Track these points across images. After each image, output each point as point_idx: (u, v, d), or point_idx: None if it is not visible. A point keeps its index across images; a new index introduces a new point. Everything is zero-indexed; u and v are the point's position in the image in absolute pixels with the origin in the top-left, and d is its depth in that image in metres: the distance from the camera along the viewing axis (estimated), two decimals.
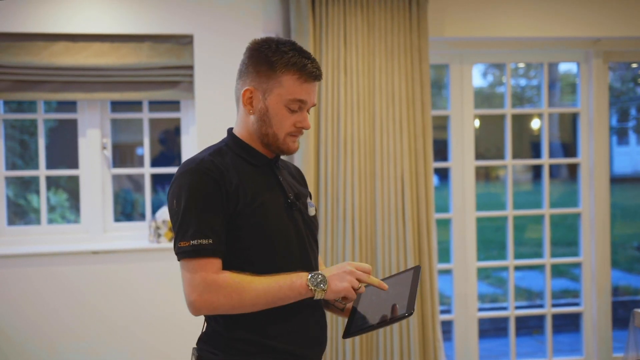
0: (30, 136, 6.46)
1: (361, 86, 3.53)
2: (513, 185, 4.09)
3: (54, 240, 3.49)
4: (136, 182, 7.04)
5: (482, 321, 4.17)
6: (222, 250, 1.60)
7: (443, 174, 7.57)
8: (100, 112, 3.54)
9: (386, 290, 1.65)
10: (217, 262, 1.59)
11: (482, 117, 4.79)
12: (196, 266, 1.57)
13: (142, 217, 4.09)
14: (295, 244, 1.70)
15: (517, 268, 4.24)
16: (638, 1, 3.91)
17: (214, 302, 1.56)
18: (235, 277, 1.58)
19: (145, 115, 3.66)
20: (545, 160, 4.11)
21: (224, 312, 1.59)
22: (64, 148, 5.57)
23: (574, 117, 4.25)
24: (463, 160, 3.95)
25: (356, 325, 1.66)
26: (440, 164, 4.01)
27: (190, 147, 3.56)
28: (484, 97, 9.82)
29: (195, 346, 1.72)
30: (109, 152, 3.56)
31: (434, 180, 3.80)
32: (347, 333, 1.66)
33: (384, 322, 1.61)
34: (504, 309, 4.51)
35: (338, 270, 1.62)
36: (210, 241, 1.57)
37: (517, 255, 4.19)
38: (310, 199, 1.85)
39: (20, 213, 6.60)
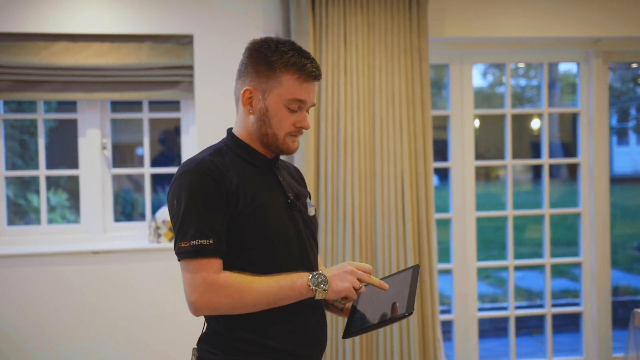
0: (30, 136, 6.46)
1: (361, 86, 3.53)
2: (513, 185, 4.09)
3: (54, 240, 3.49)
4: (136, 182, 7.04)
5: (482, 321, 4.17)
6: (222, 250, 1.60)
7: (443, 174, 7.58)
8: (100, 112, 3.54)
9: (387, 289, 1.65)
10: (217, 262, 1.59)
11: (482, 117, 4.79)
12: (197, 266, 1.57)
13: (142, 217, 4.09)
14: (295, 244, 1.70)
15: (517, 268, 4.24)
16: (638, 1, 3.91)
17: (214, 302, 1.56)
18: (235, 277, 1.58)
19: (145, 115, 3.66)
20: (545, 160, 4.11)
21: (224, 312, 1.59)
22: (64, 148, 5.57)
23: (574, 117, 4.25)
24: (463, 160, 3.95)
25: (356, 325, 1.66)
26: (440, 164, 4.01)
27: (190, 147, 3.56)
28: (484, 97, 9.83)
29: (196, 346, 1.72)
30: (109, 152, 3.56)
31: (434, 180, 3.80)
32: (347, 333, 1.66)
33: (384, 321, 1.61)
34: (504, 309, 4.51)
35: (339, 270, 1.62)
36: (211, 241, 1.57)
37: (517, 255, 4.19)
38: (310, 199, 1.85)
39: (20, 213, 6.60)
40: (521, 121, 7.74)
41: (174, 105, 3.66)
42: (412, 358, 3.54)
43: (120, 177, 6.49)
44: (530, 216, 4.73)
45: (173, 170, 3.56)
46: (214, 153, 1.69)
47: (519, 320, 4.35)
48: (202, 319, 1.72)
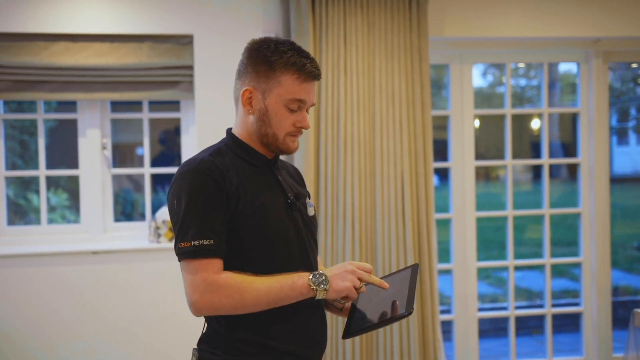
0: (30, 136, 6.46)
1: (361, 86, 3.53)
2: (513, 185, 4.09)
3: (54, 240, 3.49)
4: (136, 182, 7.05)
5: (482, 321, 4.17)
6: (223, 250, 1.60)
7: (443, 174, 7.57)
8: (100, 112, 3.54)
9: (387, 289, 1.65)
10: (218, 263, 1.59)
11: (482, 117, 4.79)
12: (197, 267, 1.56)
13: (142, 217, 4.09)
14: (295, 244, 1.70)
15: (517, 268, 4.24)
16: (638, 1, 3.91)
17: (215, 302, 1.56)
18: (236, 277, 1.58)
19: (145, 115, 3.66)
20: (545, 160, 4.11)
21: (225, 312, 1.59)
22: (64, 148, 5.57)
23: (574, 117, 4.25)
24: (463, 160, 3.95)
25: (356, 325, 1.66)
26: (440, 164, 4.01)
27: (190, 147, 3.56)
28: (484, 97, 9.83)
29: (196, 347, 1.72)
30: (109, 152, 3.56)
31: (434, 180, 3.80)
32: (347, 333, 1.66)
33: (384, 321, 1.61)
34: (504, 309, 4.51)
35: (339, 269, 1.62)
36: (211, 242, 1.57)
37: (517, 255, 4.19)
38: (309, 199, 1.85)
39: (20, 213, 6.60)
40: (521, 121, 7.74)
41: (174, 105, 3.66)
42: (412, 358, 3.54)
43: (120, 177, 6.50)
44: (530, 216, 4.73)
45: (173, 170, 3.56)
46: (214, 153, 1.68)
47: (519, 320, 4.35)
48: (202, 319, 1.72)
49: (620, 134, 10.61)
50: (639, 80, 8.05)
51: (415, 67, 3.58)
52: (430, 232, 3.60)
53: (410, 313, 1.57)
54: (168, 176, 3.96)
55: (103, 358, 3.36)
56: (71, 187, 6.48)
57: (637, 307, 3.04)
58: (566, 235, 7.15)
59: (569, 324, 4.88)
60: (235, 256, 1.63)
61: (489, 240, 7.61)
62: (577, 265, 4.19)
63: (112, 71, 3.37)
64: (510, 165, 4.07)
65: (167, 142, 7.24)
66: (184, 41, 3.43)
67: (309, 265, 1.72)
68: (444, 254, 4.10)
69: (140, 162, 4.15)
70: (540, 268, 4.56)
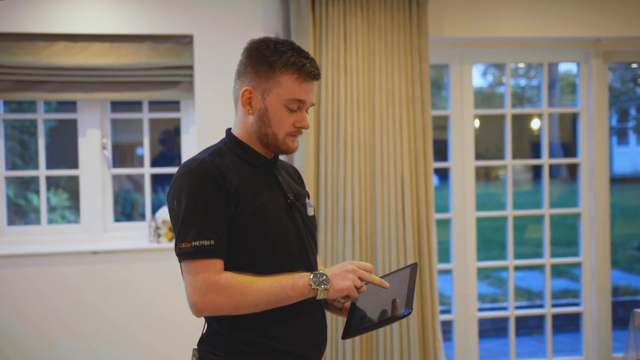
0: (30, 136, 6.46)
1: (361, 86, 3.53)
2: (513, 185, 4.09)
3: (54, 240, 3.49)
4: (136, 182, 7.05)
5: (482, 321, 4.17)
6: (223, 250, 1.60)
7: (443, 174, 7.57)
8: (100, 112, 3.54)
9: (387, 288, 1.65)
10: (218, 263, 1.59)
11: (482, 117, 4.79)
12: (198, 267, 1.56)
13: (142, 217, 4.09)
14: (295, 244, 1.70)
15: (517, 268, 4.24)
16: (638, 1, 3.91)
17: (216, 303, 1.56)
18: (237, 277, 1.58)
19: (145, 115, 3.66)
20: (545, 161, 4.11)
21: (226, 313, 1.58)
22: (64, 148, 5.57)
23: (574, 117, 4.25)
24: (463, 160, 3.95)
25: (356, 325, 1.66)
26: (440, 164, 4.01)
27: (190, 147, 3.56)
28: (484, 97, 9.83)
29: (196, 347, 1.72)
30: (109, 152, 3.56)
31: (434, 180, 3.80)
32: (347, 333, 1.66)
33: (384, 320, 1.61)
34: (504, 309, 4.51)
35: (340, 269, 1.62)
36: (212, 242, 1.57)
37: (517, 255, 4.19)
38: (309, 199, 1.85)
39: (20, 213, 6.60)
40: (521, 121, 7.74)
41: (174, 105, 3.66)
42: (412, 358, 3.54)
43: (120, 177, 6.50)
44: (530, 216, 4.73)
45: (173, 170, 3.56)
46: (214, 153, 1.68)
47: (519, 320, 4.35)
48: (202, 319, 1.72)
49: (620, 134, 10.60)
50: (639, 80, 8.05)
51: (415, 67, 3.58)
52: (430, 232, 3.60)
53: (409, 313, 1.57)
54: (168, 176, 3.96)
55: (103, 358, 3.36)
56: (71, 187, 6.48)
57: (637, 307, 3.04)
58: (566, 235, 7.15)
59: (569, 324, 4.88)
60: (236, 256, 1.63)
61: (489, 240, 7.62)
62: (577, 265, 4.19)
63: (112, 71, 3.37)
64: (510, 165, 4.07)
65: (167, 142, 7.24)
66: (184, 41, 3.44)
67: (309, 265, 1.72)
68: (444, 254, 4.10)
69: (140, 162, 4.15)
70: (540, 268, 4.56)
